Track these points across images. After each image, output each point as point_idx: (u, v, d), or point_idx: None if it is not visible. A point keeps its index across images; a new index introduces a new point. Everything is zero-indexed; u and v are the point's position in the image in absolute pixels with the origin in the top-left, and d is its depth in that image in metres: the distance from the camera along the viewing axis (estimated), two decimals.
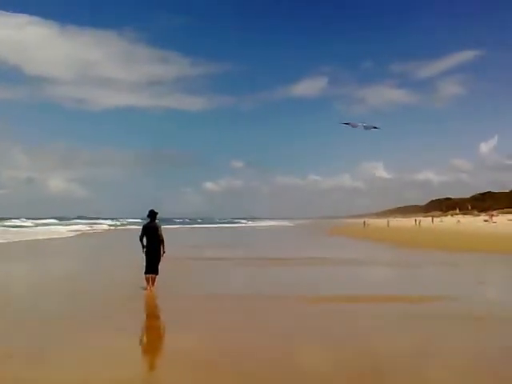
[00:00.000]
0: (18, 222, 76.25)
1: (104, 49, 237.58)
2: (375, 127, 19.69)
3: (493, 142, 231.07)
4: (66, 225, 72.48)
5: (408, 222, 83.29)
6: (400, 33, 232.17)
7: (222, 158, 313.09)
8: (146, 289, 11.41)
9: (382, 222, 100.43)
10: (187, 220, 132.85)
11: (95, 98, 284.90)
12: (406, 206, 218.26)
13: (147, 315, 9.78)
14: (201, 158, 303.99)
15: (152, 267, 11.43)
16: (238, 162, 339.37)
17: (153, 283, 11.47)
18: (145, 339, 7.93)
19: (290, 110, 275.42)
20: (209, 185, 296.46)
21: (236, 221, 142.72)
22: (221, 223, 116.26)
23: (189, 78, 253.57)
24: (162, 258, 11.46)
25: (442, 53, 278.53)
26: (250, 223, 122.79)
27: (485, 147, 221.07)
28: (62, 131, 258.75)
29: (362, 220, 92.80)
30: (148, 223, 11.60)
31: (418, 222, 73.40)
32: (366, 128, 19.03)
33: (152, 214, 11.53)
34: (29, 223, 75.78)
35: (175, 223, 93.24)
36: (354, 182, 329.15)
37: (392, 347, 6.99)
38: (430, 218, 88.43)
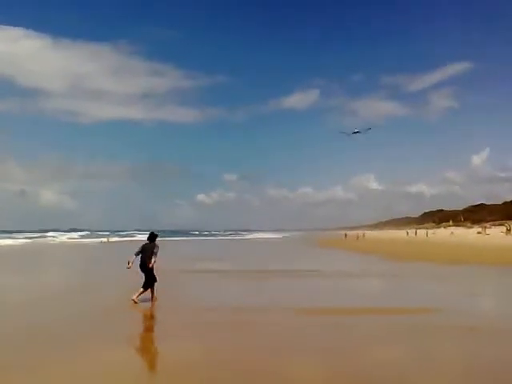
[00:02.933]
0: None
1: (97, 61, 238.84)
2: (369, 128, 19.81)
3: (484, 154, 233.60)
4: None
5: (401, 233, 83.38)
6: (391, 46, 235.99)
7: (214, 170, 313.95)
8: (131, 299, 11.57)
9: (374, 233, 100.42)
10: (179, 232, 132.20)
11: (88, 110, 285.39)
12: (399, 218, 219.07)
13: (134, 328, 9.51)
14: (193, 170, 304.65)
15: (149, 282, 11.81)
16: (231, 175, 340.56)
17: (152, 293, 11.91)
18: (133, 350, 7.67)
19: (282, 122, 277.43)
20: (201, 197, 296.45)
21: (228, 233, 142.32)
22: (213, 236, 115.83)
23: (181, 90, 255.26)
24: (150, 267, 11.71)
25: (433, 66, 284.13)
26: (243, 236, 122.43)
27: (477, 159, 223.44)
28: (54, 143, 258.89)
29: (355, 232, 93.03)
30: (147, 243, 12.09)
31: (413, 234, 73.82)
32: (361, 132, 19.24)
33: (152, 236, 12.15)
34: None
35: (167, 235, 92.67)
36: (346, 193, 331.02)
37: (383, 359, 6.92)
38: (423, 231, 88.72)
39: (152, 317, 10.73)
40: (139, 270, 11.82)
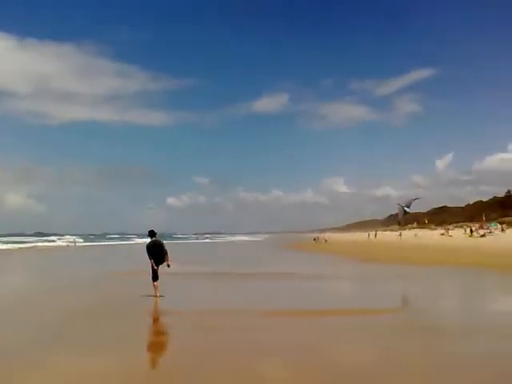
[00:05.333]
0: None
1: (64, 62, 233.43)
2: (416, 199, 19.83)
3: (448, 158, 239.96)
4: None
5: (367, 235, 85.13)
6: (359, 51, 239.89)
7: (184, 173, 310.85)
8: (155, 295, 12.85)
9: (343, 236, 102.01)
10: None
11: (54, 111, 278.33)
12: (365, 221, 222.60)
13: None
14: (163, 173, 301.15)
15: (157, 275, 13.08)
16: (201, 178, 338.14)
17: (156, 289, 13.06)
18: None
19: (252, 125, 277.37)
20: (172, 200, 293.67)
21: (199, 236, 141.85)
22: (184, 239, 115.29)
23: (150, 92, 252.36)
24: (167, 265, 13.14)
25: (399, 71, 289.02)
26: (215, 239, 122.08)
27: (441, 163, 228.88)
28: (20, 145, 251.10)
29: (326, 235, 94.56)
30: (152, 242, 13.17)
31: (374, 235, 75.71)
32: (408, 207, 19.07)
33: (152, 233, 13.28)
34: None
35: (136, 238, 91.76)
36: (316, 197, 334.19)
37: (350, 359, 7.13)
38: (388, 233, 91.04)
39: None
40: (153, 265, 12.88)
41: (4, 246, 58.06)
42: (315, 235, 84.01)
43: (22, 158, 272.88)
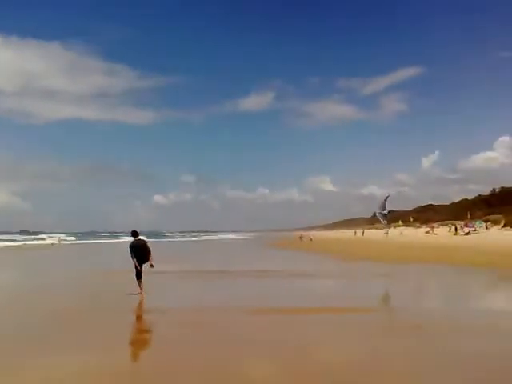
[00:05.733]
0: None
1: (49, 60, 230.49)
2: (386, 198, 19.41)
3: (434, 156, 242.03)
4: None
5: (353, 233, 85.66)
6: (345, 49, 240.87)
7: (171, 171, 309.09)
8: (139, 293, 12.99)
9: (328, 234, 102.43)
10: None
11: (40, 110, 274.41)
12: (351, 219, 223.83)
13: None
14: (149, 171, 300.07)
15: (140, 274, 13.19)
16: (188, 176, 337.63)
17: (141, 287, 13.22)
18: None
19: (238, 123, 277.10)
20: (158, 198, 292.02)
21: (185, 235, 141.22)
22: (170, 237, 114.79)
23: (137, 90, 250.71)
24: (150, 265, 13.16)
25: (385, 70, 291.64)
26: (201, 237, 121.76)
27: (426, 162, 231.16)
28: (5, 144, 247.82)
29: (311, 233, 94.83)
30: (135, 241, 13.28)
31: (362, 233, 75.89)
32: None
33: (134, 234, 13.43)
34: None
35: (124, 237, 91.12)
36: (301, 195, 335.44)
37: (332, 357, 7.14)
38: (374, 231, 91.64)
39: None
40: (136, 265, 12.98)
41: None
42: (300, 233, 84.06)
43: (7, 156, 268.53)
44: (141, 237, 13.64)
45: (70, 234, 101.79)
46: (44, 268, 27.11)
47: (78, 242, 78.70)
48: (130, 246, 13.17)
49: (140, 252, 13.07)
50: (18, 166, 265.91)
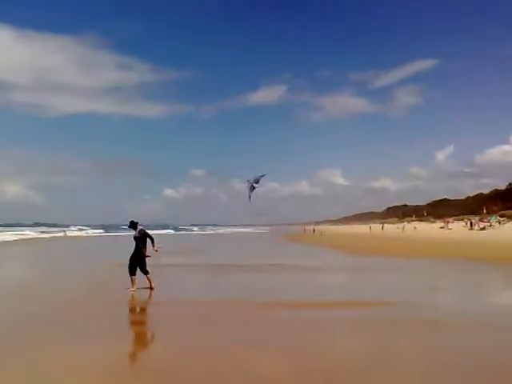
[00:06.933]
0: None
1: (62, 54, 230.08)
2: (263, 175, 18.29)
3: (448, 150, 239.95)
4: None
5: (365, 228, 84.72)
6: (357, 42, 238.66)
7: (181, 165, 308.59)
8: (130, 288, 12.30)
9: (339, 228, 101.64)
10: (147, 227, 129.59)
11: (53, 104, 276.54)
12: (363, 213, 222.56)
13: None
14: (160, 165, 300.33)
15: (135, 269, 12.45)
16: (198, 170, 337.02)
17: (151, 283, 12.62)
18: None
19: (249, 117, 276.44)
20: (169, 192, 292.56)
21: (195, 228, 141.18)
22: (181, 231, 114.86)
23: (149, 84, 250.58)
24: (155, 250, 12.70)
25: (398, 62, 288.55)
26: (209, 230, 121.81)
27: (441, 155, 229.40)
28: (19, 137, 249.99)
29: (320, 226, 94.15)
30: (138, 232, 12.69)
31: (380, 228, 74.92)
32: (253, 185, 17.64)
33: (133, 224, 12.76)
34: None
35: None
36: (311, 188, 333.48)
37: (345, 352, 7.00)
38: (390, 225, 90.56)
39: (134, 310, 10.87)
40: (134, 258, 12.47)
41: (11, 237, 57.10)
42: (311, 227, 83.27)
43: (21, 150, 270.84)
44: (140, 227, 12.97)
45: (89, 227, 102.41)
46: (51, 260, 26.79)
47: (83, 234, 78.68)
48: (135, 238, 12.71)
49: (143, 241, 12.60)
50: (32, 160, 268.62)
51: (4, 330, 8.39)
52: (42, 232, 76.09)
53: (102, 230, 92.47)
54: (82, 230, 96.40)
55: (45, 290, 13.63)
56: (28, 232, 71.67)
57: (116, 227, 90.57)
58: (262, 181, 17.17)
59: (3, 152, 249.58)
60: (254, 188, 17.09)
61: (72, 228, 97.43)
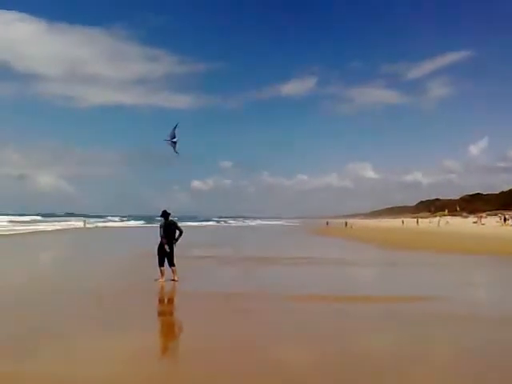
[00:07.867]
0: None
1: (93, 46, 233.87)
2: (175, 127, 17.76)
3: (483, 143, 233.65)
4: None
5: (397, 222, 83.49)
6: (389, 34, 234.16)
7: (210, 156, 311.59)
8: (159, 279, 12.47)
9: (370, 222, 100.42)
10: (175, 218, 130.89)
11: (83, 95, 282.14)
12: (394, 207, 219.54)
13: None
14: (189, 156, 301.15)
15: (163, 260, 12.61)
16: (226, 162, 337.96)
17: (174, 275, 12.64)
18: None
19: (278, 109, 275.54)
20: (197, 183, 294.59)
21: (223, 220, 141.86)
22: (210, 221, 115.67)
23: (177, 76, 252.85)
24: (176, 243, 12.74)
25: (431, 54, 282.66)
26: (237, 223, 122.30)
27: (474, 149, 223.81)
28: (50, 129, 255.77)
29: (351, 220, 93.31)
30: (165, 222, 12.77)
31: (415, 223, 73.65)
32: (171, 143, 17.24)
33: (165, 214, 12.79)
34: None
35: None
36: (341, 181, 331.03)
37: (377, 346, 6.86)
38: (426, 220, 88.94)
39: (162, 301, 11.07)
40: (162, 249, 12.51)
41: (49, 227, 58.29)
42: (339, 221, 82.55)
43: (53, 141, 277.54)
44: (171, 218, 13.02)
45: (129, 217, 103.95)
46: (75, 250, 27.32)
47: (103, 224, 79.57)
48: (161, 226, 12.79)
49: (170, 232, 12.65)
50: (63, 151, 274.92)
51: (39, 317, 8.59)
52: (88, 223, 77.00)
53: (143, 221, 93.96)
54: (123, 220, 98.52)
55: (93, 275, 13.94)
56: (73, 222, 73.16)
57: (151, 218, 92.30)
58: (177, 131, 17.20)
59: (36, 142, 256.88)
60: (175, 142, 17.10)
61: (112, 218, 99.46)
